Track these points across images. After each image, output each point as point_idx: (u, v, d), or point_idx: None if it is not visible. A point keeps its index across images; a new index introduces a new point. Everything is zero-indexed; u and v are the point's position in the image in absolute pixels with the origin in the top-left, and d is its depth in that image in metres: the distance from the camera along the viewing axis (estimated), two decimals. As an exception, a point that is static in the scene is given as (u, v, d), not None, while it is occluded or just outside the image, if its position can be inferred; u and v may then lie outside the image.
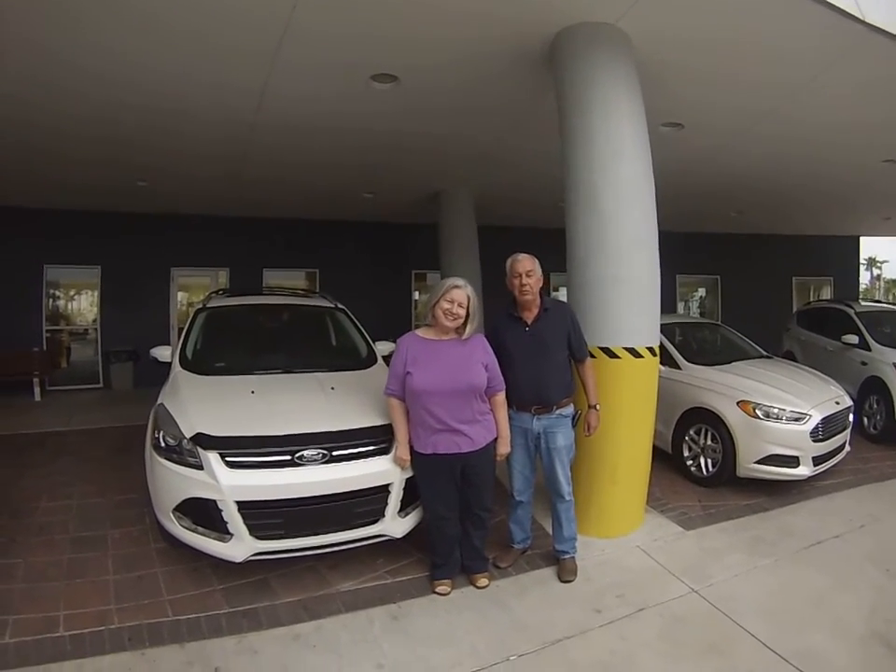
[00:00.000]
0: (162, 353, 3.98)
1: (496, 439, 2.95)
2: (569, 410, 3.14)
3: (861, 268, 16.50)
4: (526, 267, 3.04)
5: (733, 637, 2.61)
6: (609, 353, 3.46)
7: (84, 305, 9.32)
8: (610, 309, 3.49)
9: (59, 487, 4.26)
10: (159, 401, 3.33)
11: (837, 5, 3.27)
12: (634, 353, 3.47)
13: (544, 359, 3.05)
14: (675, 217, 9.51)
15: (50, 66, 3.87)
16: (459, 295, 2.83)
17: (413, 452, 2.90)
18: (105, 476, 4.46)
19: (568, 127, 3.62)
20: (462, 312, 2.83)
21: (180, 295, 9.30)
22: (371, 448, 2.98)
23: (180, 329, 4.18)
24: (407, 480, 2.99)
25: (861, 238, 14.17)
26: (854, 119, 5.02)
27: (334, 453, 2.88)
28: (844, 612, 2.78)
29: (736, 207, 9.47)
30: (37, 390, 7.80)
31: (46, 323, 8.65)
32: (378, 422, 3.05)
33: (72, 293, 9.37)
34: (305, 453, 2.83)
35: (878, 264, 44.78)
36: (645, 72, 3.69)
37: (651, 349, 3.56)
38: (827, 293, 13.30)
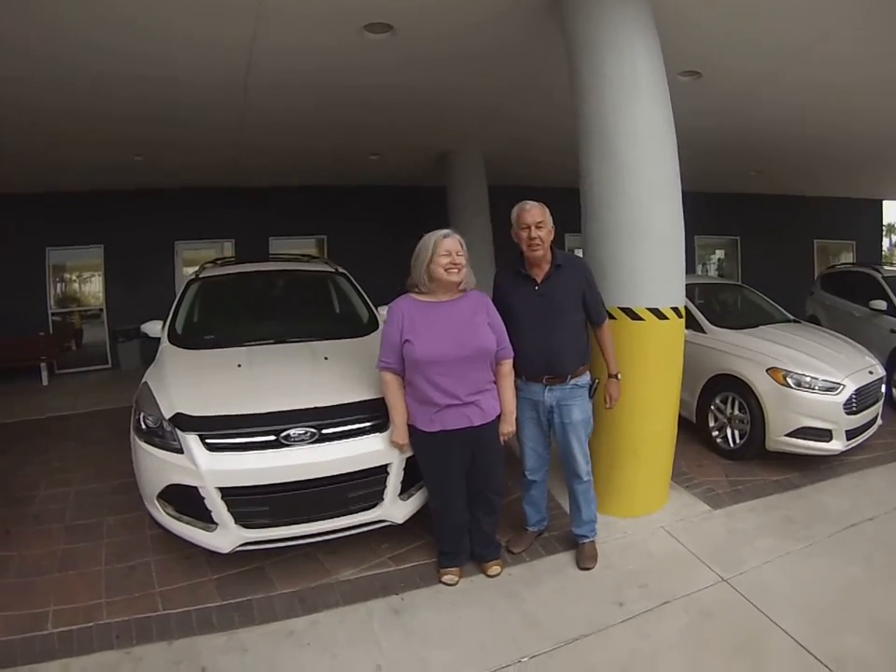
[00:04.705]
0: (153, 328, 3.78)
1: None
2: (585, 379, 2.82)
3: (879, 234, 15.66)
4: (536, 217, 2.68)
5: (765, 634, 2.36)
6: (631, 314, 3.15)
7: (90, 286, 9.22)
8: (630, 264, 3.16)
9: (58, 473, 4.19)
10: (143, 379, 3.13)
11: None
12: (658, 314, 3.15)
13: (557, 323, 2.72)
14: (693, 177, 8.94)
15: (31, 32, 3.61)
16: (452, 244, 2.53)
17: (415, 431, 2.61)
18: (104, 459, 4.34)
19: (578, 70, 3.28)
20: (463, 260, 2.54)
21: (186, 268, 9.11)
22: (367, 425, 2.72)
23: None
24: (408, 459, 2.74)
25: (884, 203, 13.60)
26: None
27: (324, 431, 2.64)
28: (882, 609, 2.50)
29: (757, 165, 8.90)
30: (45, 374, 7.73)
31: (53, 306, 8.61)
32: (374, 395, 2.77)
33: (77, 275, 9.26)
34: (292, 432, 2.60)
35: (897, 230, 43.24)
36: (660, 9, 3.31)
37: (676, 310, 3.24)
38: (848, 258, 12.78)
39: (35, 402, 6.60)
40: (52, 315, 8.57)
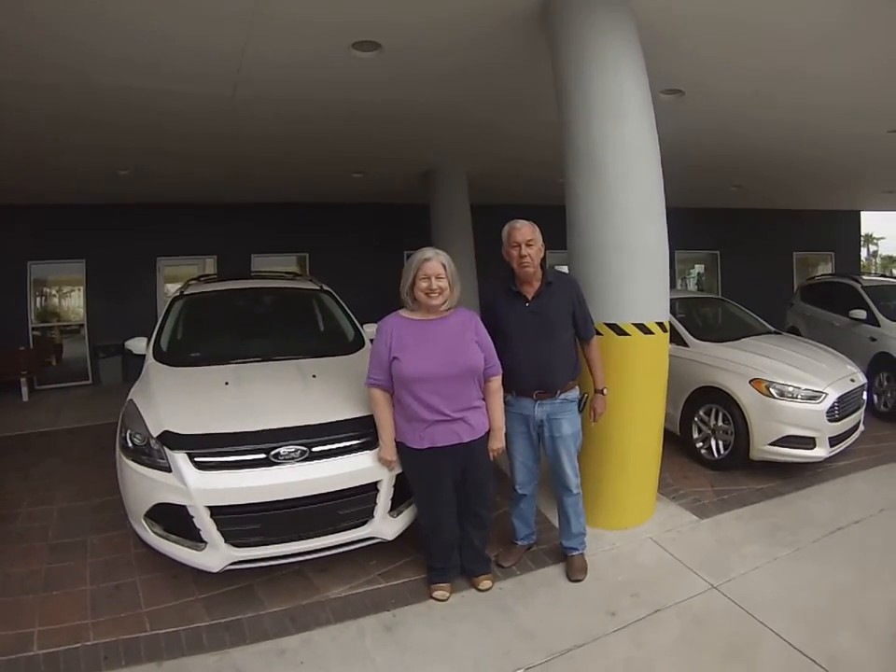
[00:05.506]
0: (138, 345, 3.72)
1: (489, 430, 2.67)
2: (574, 394, 2.86)
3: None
4: (526, 236, 2.74)
5: (757, 637, 2.40)
6: (617, 329, 3.19)
7: (71, 301, 9.13)
8: (616, 280, 3.21)
9: (41, 490, 4.11)
10: (129, 397, 3.09)
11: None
12: (644, 329, 3.20)
13: (548, 339, 2.76)
14: (674, 192, 9.18)
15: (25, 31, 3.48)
16: (434, 267, 2.53)
17: (403, 448, 2.61)
18: (87, 476, 4.28)
19: (566, 88, 3.33)
20: (444, 284, 2.54)
21: (168, 285, 9.04)
22: (356, 442, 2.72)
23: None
24: (397, 476, 2.74)
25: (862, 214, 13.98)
26: (870, 81, 4.67)
27: (314, 449, 2.62)
28: (871, 609, 2.56)
29: (737, 181, 9.12)
30: (25, 390, 7.58)
31: (34, 321, 8.48)
32: (363, 413, 2.77)
33: (58, 289, 9.17)
34: (282, 450, 2.58)
35: (874, 241, 44.57)
36: (644, 30, 3.38)
37: (661, 325, 3.29)
38: (827, 269, 13.05)
39: (16, 418, 6.47)
40: (33, 329, 8.44)
